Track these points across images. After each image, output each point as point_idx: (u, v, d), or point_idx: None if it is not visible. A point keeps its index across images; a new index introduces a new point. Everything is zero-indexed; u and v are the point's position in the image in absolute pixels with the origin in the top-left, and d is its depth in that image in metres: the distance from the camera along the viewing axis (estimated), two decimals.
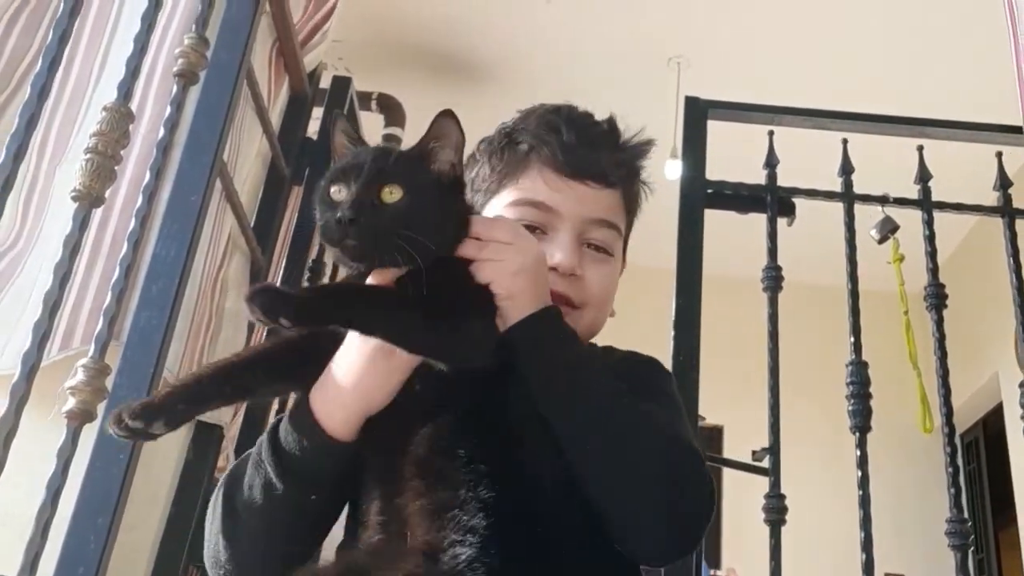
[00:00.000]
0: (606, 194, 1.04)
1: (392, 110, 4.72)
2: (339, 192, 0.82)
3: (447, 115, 0.86)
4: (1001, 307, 4.69)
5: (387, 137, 4.61)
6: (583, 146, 1.03)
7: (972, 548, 1.63)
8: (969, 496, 5.27)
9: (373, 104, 4.54)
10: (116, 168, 1.16)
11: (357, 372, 0.83)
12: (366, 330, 0.80)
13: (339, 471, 0.84)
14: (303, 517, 0.85)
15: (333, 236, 0.80)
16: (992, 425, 5.29)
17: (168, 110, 1.32)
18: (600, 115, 1.09)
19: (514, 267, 0.84)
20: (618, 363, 1.03)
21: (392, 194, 0.81)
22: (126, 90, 1.20)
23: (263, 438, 0.87)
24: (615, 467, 0.81)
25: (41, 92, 1.08)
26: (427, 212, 0.82)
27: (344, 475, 0.84)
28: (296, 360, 0.87)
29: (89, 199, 1.13)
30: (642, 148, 1.10)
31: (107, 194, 1.16)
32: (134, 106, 1.26)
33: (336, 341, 0.85)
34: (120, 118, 1.16)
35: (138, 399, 0.82)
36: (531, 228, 0.98)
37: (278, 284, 0.80)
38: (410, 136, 4.64)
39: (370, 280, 0.84)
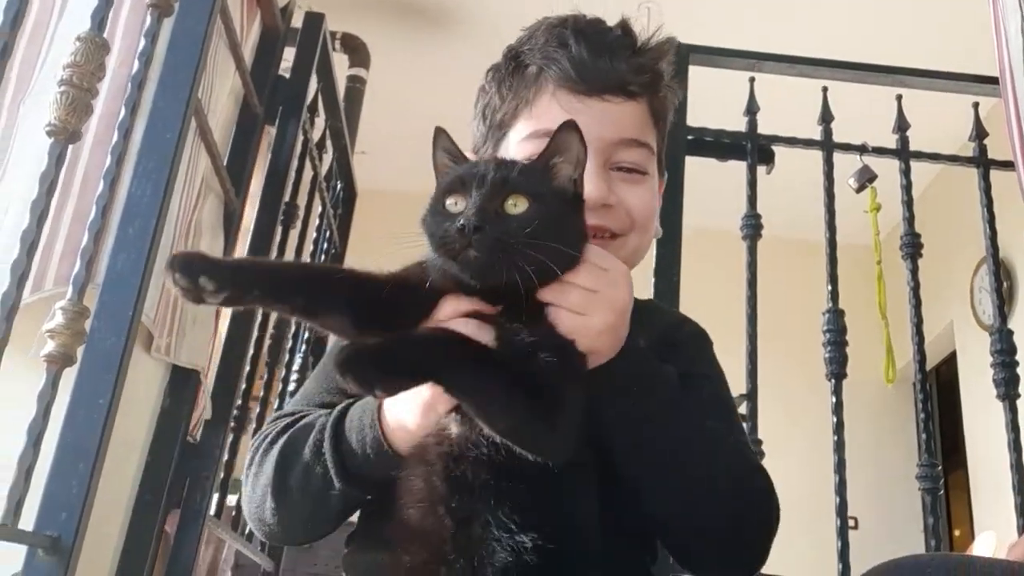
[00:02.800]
0: (629, 107, 0.95)
1: (356, 51, 4.61)
2: (456, 203, 0.76)
3: (570, 127, 0.78)
4: (957, 257, 4.79)
5: (352, 79, 4.51)
6: (596, 57, 0.94)
7: (941, 492, 1.67)
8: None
9: (337, 44, 4.42)
10: (92, 102, 1.11)
11: (417, 415, 0.77)
12: (455, 393, 0.72)
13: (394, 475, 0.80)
14: (353, 508, 0.85)
15: (452, 246, 0.73)
16: (944, 373, 5.44)
17: (142, 42, 1.26)
18: (611, 20, 1.00)
19: (600, 326, 0.75)
20: (665, 332, 0.97)
21: (516, 205, 0.74)
22: (100, 19, 1.14)
23: (327, 424, 0.83)
24: (690, 493, 0.81)
25: (15, 20, 1.02)
26: (554, 226, 0.74)
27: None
28: (375, 306, 0.78)
29: (65, 134, 1.08)
30: (663, 48, 1.00)
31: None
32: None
33: (418, 301, 0.78)
34: (95, 48, 1.11)
35: (212, 257, 0.73)
36: None
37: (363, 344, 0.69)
38: (374, 78, 4.55)
39: (443, 309, 0.76)
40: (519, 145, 0.95)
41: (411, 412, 0.77)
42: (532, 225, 0.73)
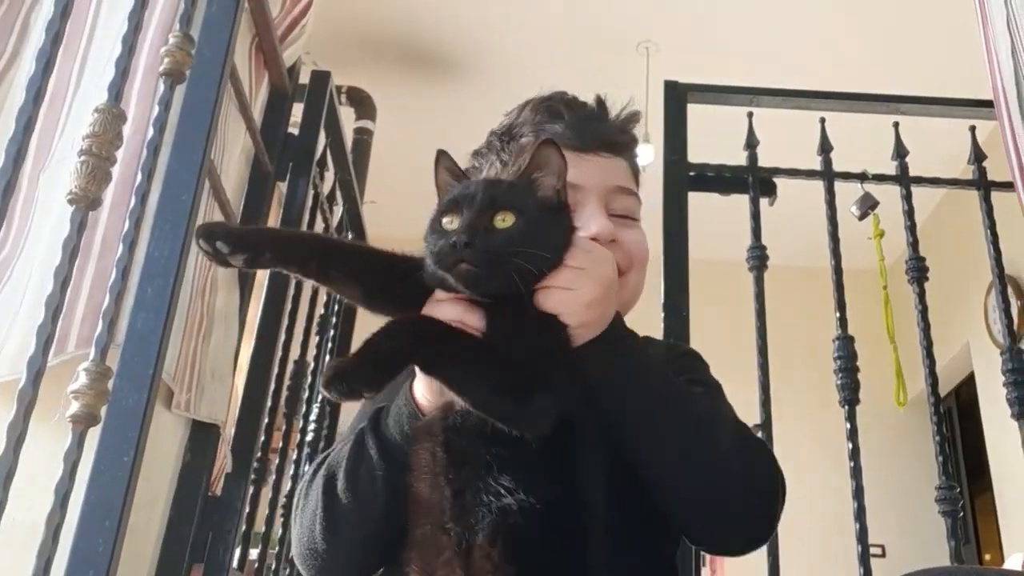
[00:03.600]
0: (618, 162, 1.08)
1: (363, 104, 4.71)
2: (451, 222, 0.83)
3: (547, 144, 0.87)
4: (969, 278, 4.79)
5: (359, 131, 4.60)
6: (589, 122, 1.08)
7: (961, 515, 1.67)
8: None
9: (343, 98, 4.52)
10: (111, 169, 1.15)
11: (430, 391, 0.85)
12: (433, 372, 0.80)
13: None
14: (398, 502, 0.86)
15: (447, 261, 0.80)
16: (964, 395, 5.40)
17: (156, 110, 1.31)
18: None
19: (587, 297, 0.83)
20: (661, 355, 1.07)
21: (504, 220, 0.81)
22: (117, 91, 1.19)
23: (366, 427, 0.91)
24: (697, 462, 0.84)
25: (36, 95, 1.07)
26: (539, 235, 0.82)
27: None
28: (388, 284, 0.88)
29: (85, 201, 1.12)
30: (633, 118, 1.14)
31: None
32: None
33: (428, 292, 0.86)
34: (112, 119, 1.15)
35: (231, 225, 0.82)
36: None
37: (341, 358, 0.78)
38: (381, 129, 4.63)
39: (439, 292, 0.84)
40: None
41: (428, 388, 0.85)
42: (518, 237, 0.81)
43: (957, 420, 5.54)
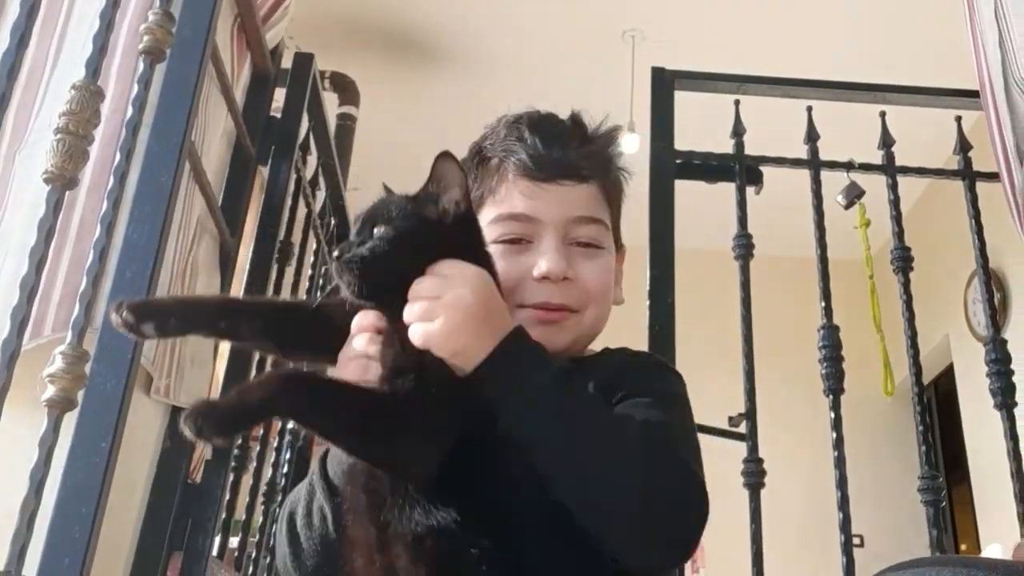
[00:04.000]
0: (582, 190, 1.03)
1: (346, 89, 4.66)
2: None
3: (444, 157, 0.87)
4: (949, 272, 4.82)
5: (342, 116, 4.56)
6: (550, 147, 1.03)
7: (944, 504, 1.67)
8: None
9: (326, 83, 4.47)
10: (88, 148, 1.12)
11: None
12: (303, 424, 0.86)
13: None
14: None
15: (336, 275, 0.84)
16: (943, 386, 5.44)
17: (135, 88, 1.28)
18: (563, 112, 1.09)
19: (446, 328, 0.80)
20: (612, 365, 0.99)
21: (376, 232, 0.85)
22: (94, 68, 1.16)
23: (316, 467, 0.94)
24: (591, 483, 0.79)
25: (11, 71, 1.04)
26: (406, 243, 0.84)
27: None
28: (300, 329, 0.92)
29: (62, 180, 1.09)
30: (610, 136, 1.10)
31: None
32: None
33: (346, 324, 0.88)
34: (90, 96, 1.13)
35: (141, 297, 0.90)
36: (516, 241, 1.00)
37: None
38: (364, 116, 4.59)
39: (356, 322, 0.87)
40: (488, 227, 1.01)
41: None
42: (381, 244, 0.83)
43: (935, 412, 5.59)
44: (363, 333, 0.86)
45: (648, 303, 1.82)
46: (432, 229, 0.86)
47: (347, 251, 0.84)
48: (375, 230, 0.84)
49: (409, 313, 0.82)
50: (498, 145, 1.06)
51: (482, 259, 0.89)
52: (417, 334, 0.80)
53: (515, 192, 1.02)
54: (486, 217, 1.03)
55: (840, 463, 1.67)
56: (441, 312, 0.80)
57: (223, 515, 1.84)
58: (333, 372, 0.90)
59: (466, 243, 0.88)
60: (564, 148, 1.04)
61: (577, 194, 1.03)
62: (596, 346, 1.08)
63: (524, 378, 0.82)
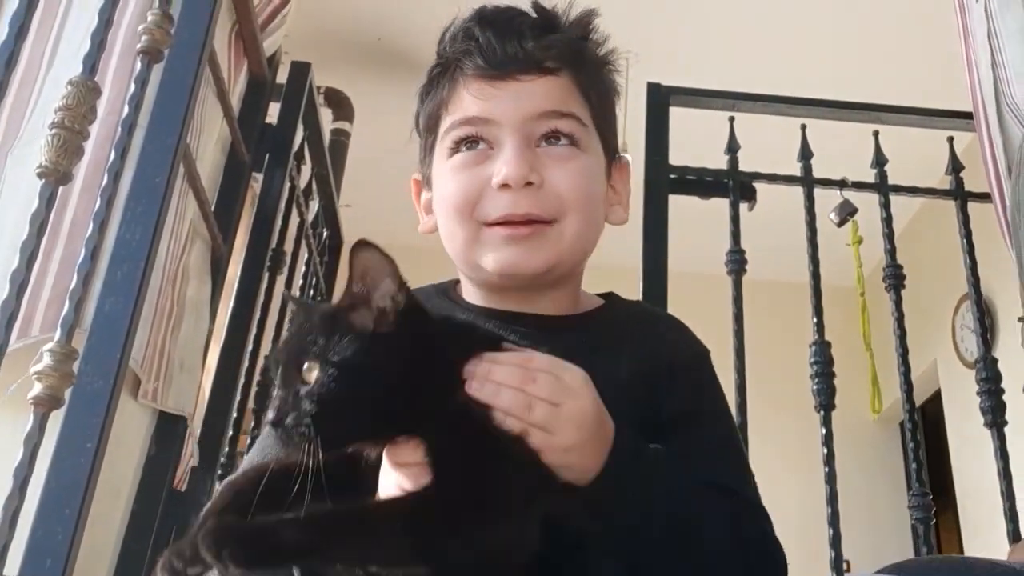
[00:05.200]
0: (546, 82, 0.90)
1: (340, 105, 4.67)
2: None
3: (361, 247, 0.69)
4: (937, 296, 4.84)
5: (336, 132, 4.56)
6: (505, 42, 0.90)
7: (934, 522, 1.67)
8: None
9: (321, 98, 4.48)
10: (83, 144, 1.11)
11: None
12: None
13: None
14: None
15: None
16: (930, 412, 5.44)
17: (132, 88, 1.28)
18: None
19: (570, 442, 0.71)
20: (657, 350, 0.91)
21: (310, 372, 0.67)
22: (92, 63, 1.15)
23: None
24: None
25: (8, 61, 1.03)
26: (348, 388, 0.66)
27: None
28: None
29: (56, 175, 1.08)
30: (582, 21, 0.96)
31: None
32: None
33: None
34: (87, 92, 1.12)
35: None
36: (474, 145, 0.90)
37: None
38: (358, 133, 4.59)
39: (386, 459, 0.71)
40: (443, 142, 0.93)
41: None
42: (318, 394, 0.66)
43: (923, 438, 5.58)
44: (396, 471, 0.71)
45: None
46: (379, 345, 0.68)
47: (284, 415, 0.67)
48: (307, 374, 0.67)
49: (524, 411, 0.70)
50: (449, 48, 0.94)
51: (446, 345, 0.72)
52: (536, 441, 0.70)
53: (467, 95, 0.90)
54: (444, 128, 0.92)
55: (831, 479, 1.66)
56: (564, 425, 0.71)
57: None
58: None
59: (424, 343, 0.70)
60: (520, 40, 0.90)
61: (538, 87, 0.89)
62: (587, 287, 0.98)
63: (638, 493, 0.75)
